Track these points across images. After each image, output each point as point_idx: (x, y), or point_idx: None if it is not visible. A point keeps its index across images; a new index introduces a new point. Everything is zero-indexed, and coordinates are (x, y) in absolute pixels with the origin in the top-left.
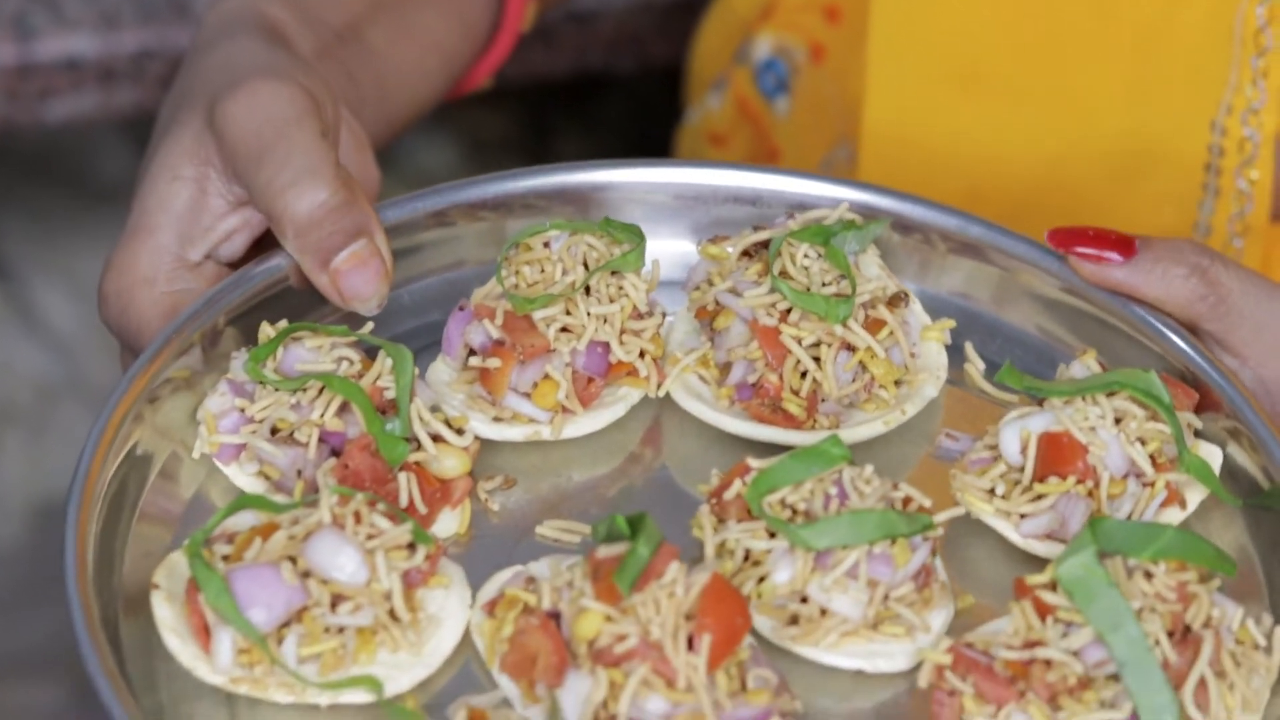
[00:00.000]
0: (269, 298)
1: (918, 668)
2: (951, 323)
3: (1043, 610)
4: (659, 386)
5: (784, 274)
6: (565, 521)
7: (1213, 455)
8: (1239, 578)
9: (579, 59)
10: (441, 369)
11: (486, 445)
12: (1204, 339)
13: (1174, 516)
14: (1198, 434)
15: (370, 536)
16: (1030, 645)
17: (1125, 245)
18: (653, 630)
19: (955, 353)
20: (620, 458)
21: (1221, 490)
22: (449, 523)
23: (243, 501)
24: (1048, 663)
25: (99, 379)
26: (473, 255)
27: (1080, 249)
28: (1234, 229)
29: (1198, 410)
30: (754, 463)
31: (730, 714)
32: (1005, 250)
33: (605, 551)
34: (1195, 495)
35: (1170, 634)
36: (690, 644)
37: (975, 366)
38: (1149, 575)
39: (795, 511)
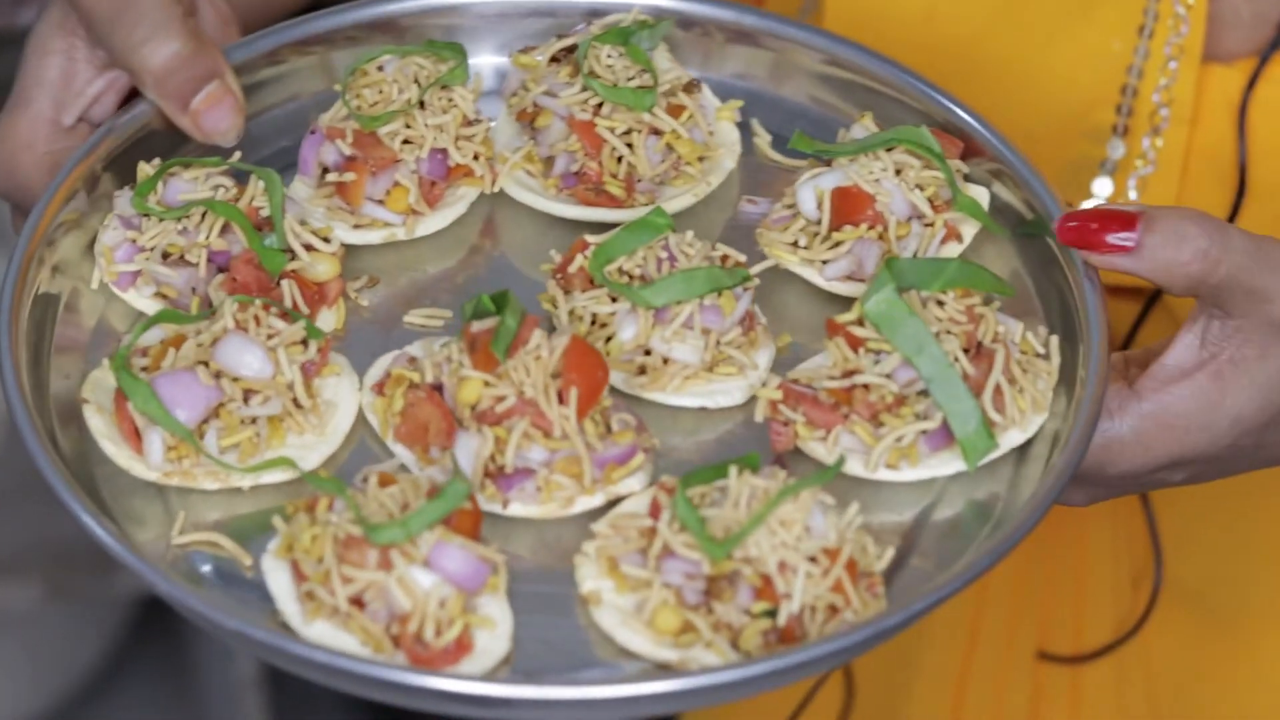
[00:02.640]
0: (137, 141)
1: (752, 400)
2: (739, 103)
3: (854, 343)
4: (493, 183)
5: (592, 73)
6: (428, 309)
7: (981, 195)
8: (1016, 299)
9: None
10: (299, 188)
11: (349, 250)
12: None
13: (953, 250)
14: (966, 178)
15: (270, 336)
16: (848, 374)
17: (1127, 229)
18: (526, 390)
19: (742, 129)
20: (466, 249)
21: (991, 223)
22: (327, 320)
23: (160, 316)
24: (866, 387)
25: None
26: (305, 88)
27: (1088, 255)
28: (1170, 52)
29: (963, 157)
30: (590, 239)
31: (601, 454)
32: (776, 34)
33: (478, 326)
34: (969, 230)
35: (965, 350)
36: (560, 398)
37: (763, 139)
38: (940, 304)
39: (631, 277)
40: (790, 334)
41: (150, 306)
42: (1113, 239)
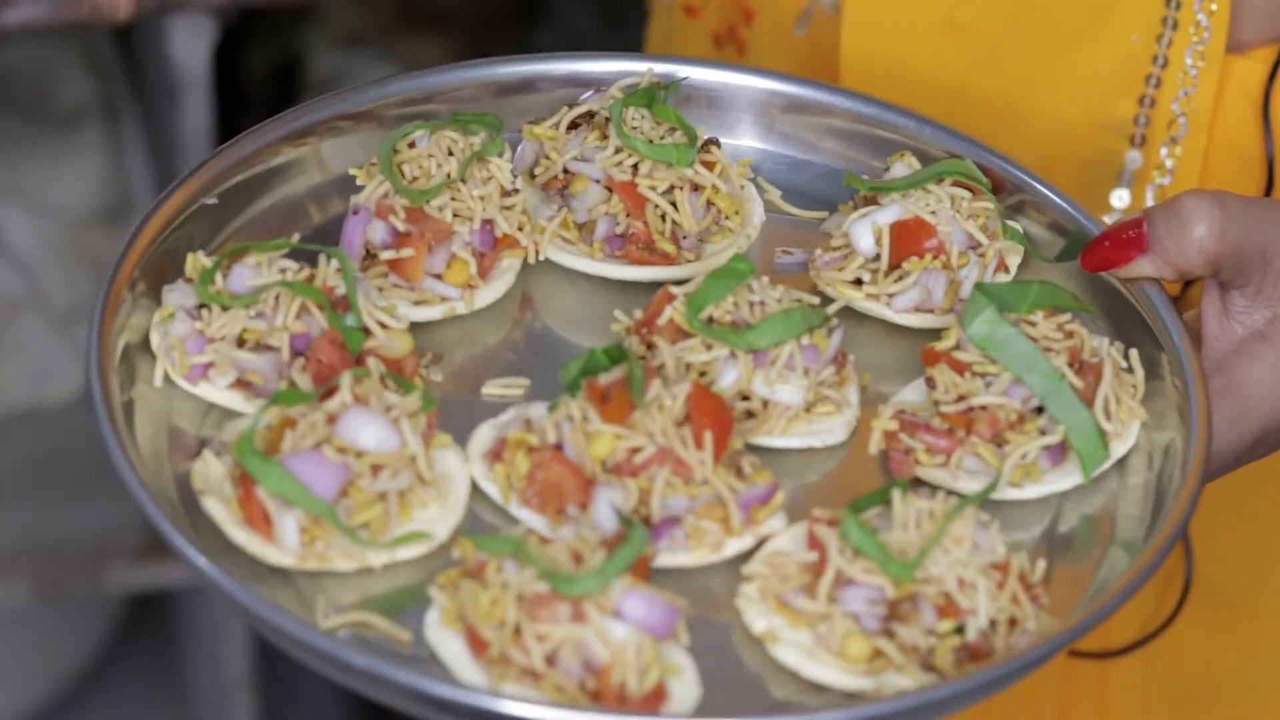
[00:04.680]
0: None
1: (853, 438)
2: (750, 159)
3: (958, 369)
4: (537, 253)
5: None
6: (505, 379)
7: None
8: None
9: None
10: None
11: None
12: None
13: (1003, 279)
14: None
15: (388, 409)
16: (963, 398)
17: (1135, 242)
18: (659, 439)
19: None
20: (512, 319)
21: (1035, 251)
22: None
23: (279, 397)
24: (984, 408)
25: (58, 296)
26: (298, 181)
27: (1115, 272)
28: (1192, 59)
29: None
30: (675, 290)
31: (745, 495)
32: (758, 88)
33: (606, 379)
34: (1014, 260)
35: (1069, 365)
36: (696, 443)
37: (773, 193)
38: (1031, 323)
39: (721, 324)
40: (868, 371)
41: (225, 398)
42: (1127, 245)
